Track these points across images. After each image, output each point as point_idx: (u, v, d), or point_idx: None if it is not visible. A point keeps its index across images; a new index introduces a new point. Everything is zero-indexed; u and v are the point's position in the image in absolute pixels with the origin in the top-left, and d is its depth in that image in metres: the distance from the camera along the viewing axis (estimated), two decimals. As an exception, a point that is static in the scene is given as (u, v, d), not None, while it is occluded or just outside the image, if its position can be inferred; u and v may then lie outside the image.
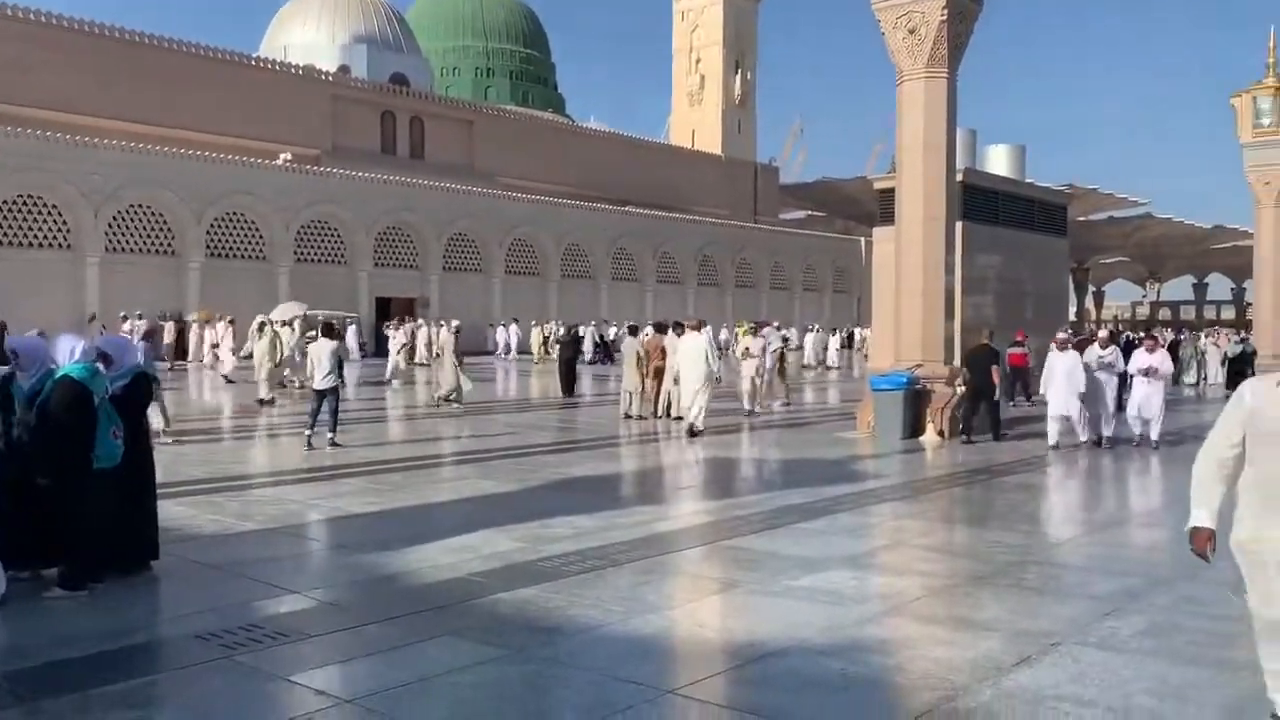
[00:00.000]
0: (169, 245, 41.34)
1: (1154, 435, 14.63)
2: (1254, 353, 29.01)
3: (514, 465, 12.82)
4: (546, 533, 8.36)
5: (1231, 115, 29.39)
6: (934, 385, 15.87)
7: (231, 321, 30.87)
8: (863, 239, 66.81)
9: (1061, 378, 14.62)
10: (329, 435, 13.96)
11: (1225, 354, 29.34)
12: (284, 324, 25.26)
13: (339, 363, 14.27)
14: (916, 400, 15.71)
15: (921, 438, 15.43)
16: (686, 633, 6.02)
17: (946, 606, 6.53)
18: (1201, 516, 4.13)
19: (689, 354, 16.51)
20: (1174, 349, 28.78)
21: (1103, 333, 16.98)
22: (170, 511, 8.46)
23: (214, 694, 4.82)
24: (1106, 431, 15.03)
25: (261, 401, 20.34)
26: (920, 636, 5.84)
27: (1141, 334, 28.08)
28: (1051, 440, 14.54)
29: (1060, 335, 15.83)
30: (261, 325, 23.07)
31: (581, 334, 39.23)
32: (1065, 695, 4.77)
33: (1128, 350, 17.31)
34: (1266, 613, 4.08)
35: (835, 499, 10.33)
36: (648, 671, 5.11)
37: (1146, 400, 14.72)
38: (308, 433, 13.97)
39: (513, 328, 46.53)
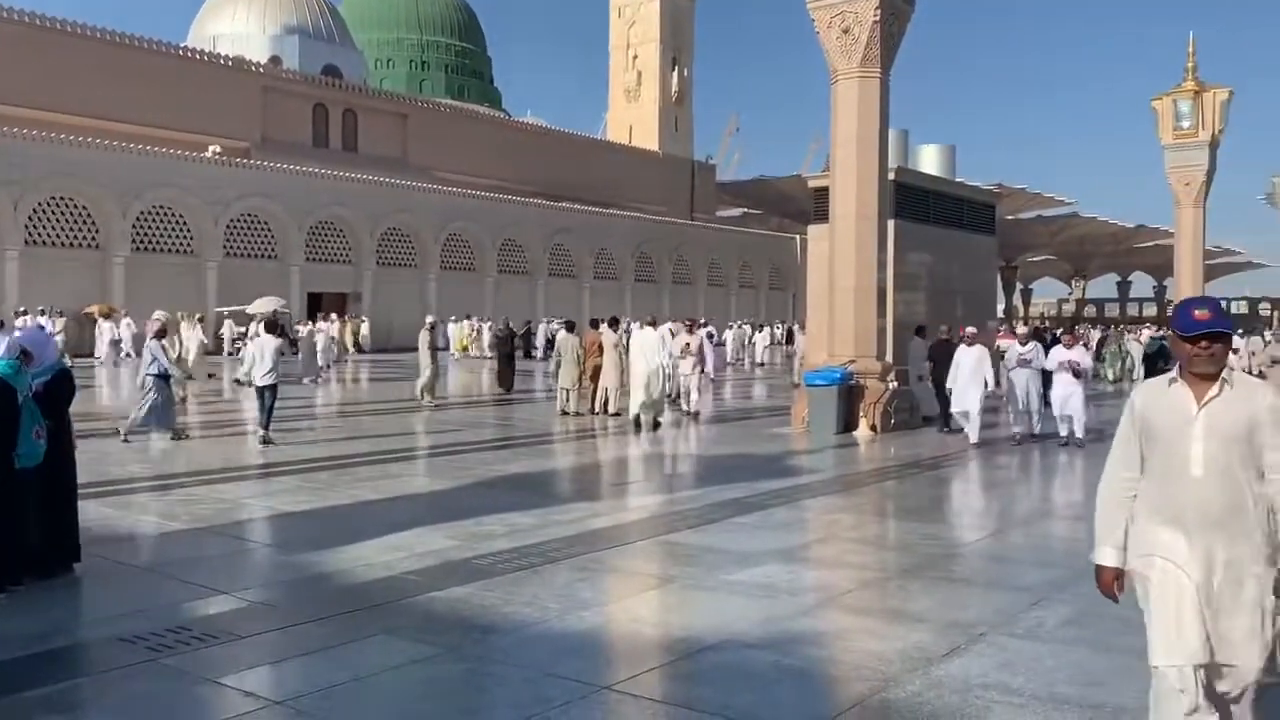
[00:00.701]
0: (93, 239, 40.26)
1: (1078, 431, 14.57)
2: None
3: (449, 463, 12.73)
4: (481, 530, 8.32)
5: (1153, 118, 30.22)
6: (867, 380, 16.09)
7: (201, 319, 29.58)
8: (798, 236, 67.50)
9: (966, 373, 14.55)
10: (260, 432, 13.79)
11: (1145, 351, 29.73)
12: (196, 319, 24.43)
13: (279, 359, 14.16)
14: (850, 395, 15.92)
15: (855, 432, 15.64)
16: (622, 629, 6.04)
17: (878, 599, 6.64)
18: (1106, 553, 3.64)
19: (644, 348, 16.74)
20: (1100, 345, 29.04)
21: (1022, 329, 16.48)
22: (93, 512, 8.25)
23: (139, 698, 4.72)
24: (1033, 428, 15.07)
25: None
26: (853, 628, 5.93)
27: (1060, 330, 28.14)
28: (973, 438, 14.46)
29: (968, 330, 15.52)
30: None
31: (521, 330, 38.98)
32: (992, 684, 4.88)
33: (1052, 346, 17.49)
34: (1166, 661, 3.38)
35: (770, 494, 10.42)
36: (583, 668, 5.11)
37: (1067, 397, 14.56)
38: (262, 432, 13.83)
39: (465, 324, 45.52)
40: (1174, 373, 3.49)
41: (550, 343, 42.72)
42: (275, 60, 60.44)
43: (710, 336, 27.15)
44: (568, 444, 15.17)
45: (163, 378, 13.80)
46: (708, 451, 14.46)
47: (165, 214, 42.23)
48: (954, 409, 14.80)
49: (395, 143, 59.69)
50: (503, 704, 4.75)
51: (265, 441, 13.56)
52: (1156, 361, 27.01)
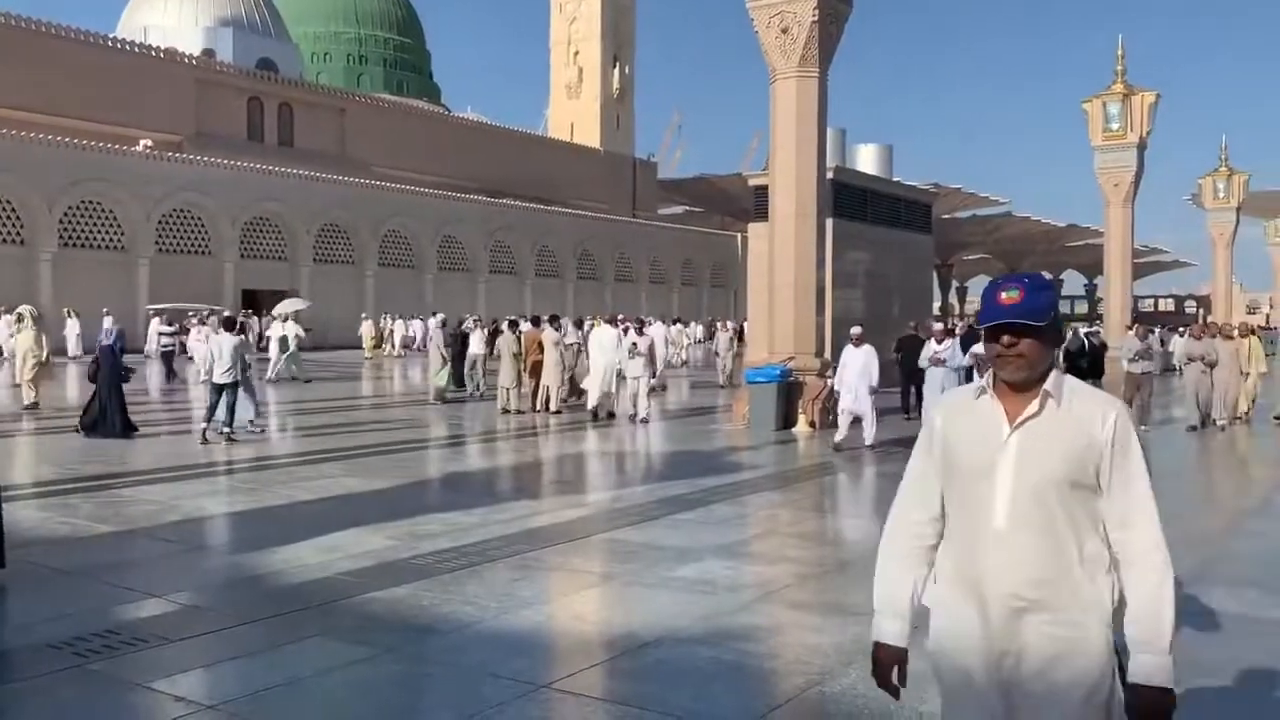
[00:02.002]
0: (17, 234, 39.14)
1: None
2: (1102, 345, 29.60)
3: (387, 462, 12.59)
4: (420, 530, 8.25)
5: (1084, 119, 30.87)
6: (806, 377, 16.24)
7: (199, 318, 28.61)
8: (739, 234, 67.92)
9: (854, 374, 13.77)
10: (224, 430, 13.69)
11: (1066, 348, 28.80)
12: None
13: (242, 358, 14.04)
14: (789, 392, 16.06)
15: (794, 428, 15.77)
16: (562, 627, 6.02)
17: (815, 593, 6.71)
18: (884, 627, 2.68)
19: (602, 344, 17.70)
20: None
21: (938, 325, 14.99)
22: (16, 515, 8.02)
23: (66, 705, 4.60)
24: None
25: (28, 406, 17.59)
26: (790, 623, 5.99)
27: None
28: (839, 435, 13.73)
29: (855, 330, 14.44)
30: (20, 317, 19.42)
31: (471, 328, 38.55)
32: (926, 676, 4.93)
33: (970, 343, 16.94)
34: None
35: (710, 490, 10.48)
36: (522, 667, 5.10)
37: None
38: (204, 425, 13.68)
39: (432, 320, 43.53)
40: (984, 380, 2.55)
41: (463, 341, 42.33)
42: (208, 53, 59.30)
43: (626, 332, 27.30)
44: (509, 442, 15.09)
45: (244, 374, 14.54)
46: (649, 448, 14.49)
47: (94, 209, 41.21)
48: (842, 410, 13.92)
49: (332, 138, 58.91)
50: (440, 705, 4.72)
51: (232, 439, 13.69)
52: (1078, 360, 27.01)
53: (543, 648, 5.61)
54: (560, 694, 4.76)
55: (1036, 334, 2.42)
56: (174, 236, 43.98)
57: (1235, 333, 18.26)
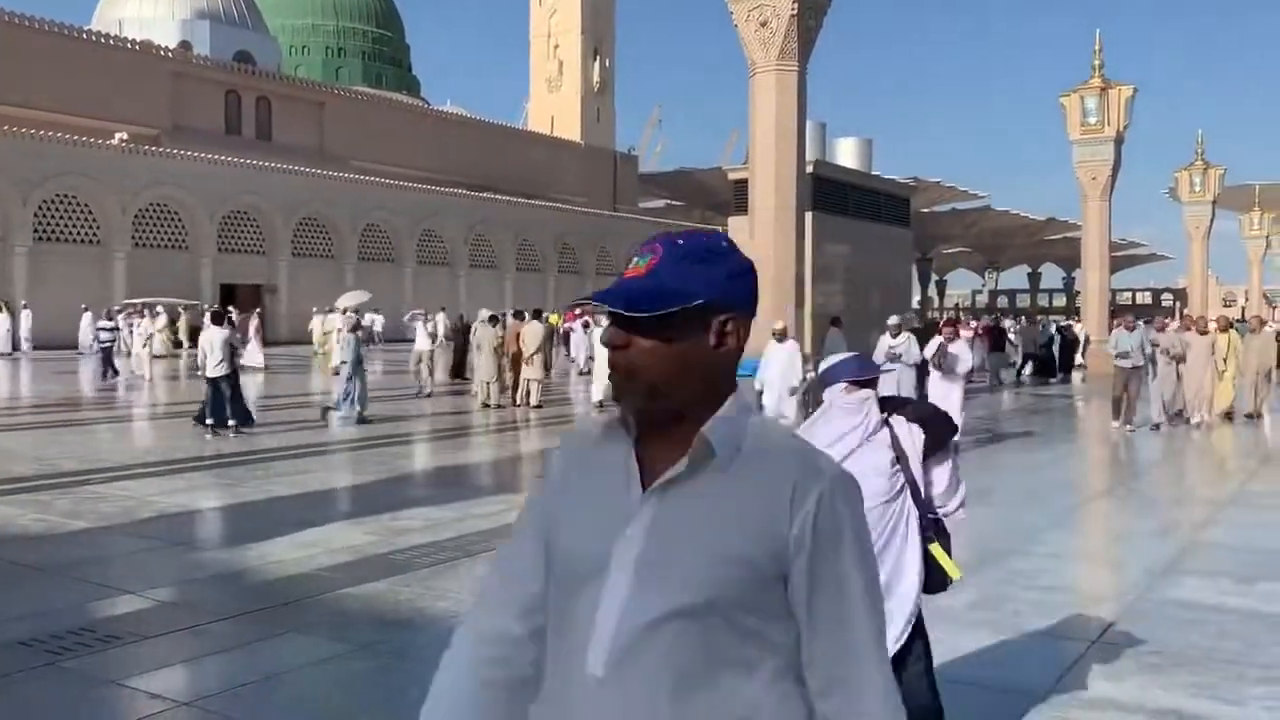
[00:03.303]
0: (-9, 228, 38.75)
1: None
2: (1074, 340, 29.44)
3: (366, 457, 12.55)
4: (398, 525, 8.22)
5: (1062, 113, 31.03)
6: (786, 371, 16.26)
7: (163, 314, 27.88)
8: (720, 228, 67.78)
9: (776, 373, 12.64)
10: (231, 422, 13.94)
11: (1035, 341, 28.41)
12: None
13: (231, 351, 14.35)
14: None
15: (774, 422, 15.81)
16: (540, 620, 6.01)
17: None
18: None
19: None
20: (998, 336, 27.97)
21: (892, 320, 13.89)
22: (-9, 512, 7.95)
23: (40, 702, 4.57)
24: None
25: None
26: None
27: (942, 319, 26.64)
28: None
29: (779, 324, 13.43)
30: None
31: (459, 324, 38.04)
32: (902, 667, 4.97)
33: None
34: None
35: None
36: (500, 661, 5.08)
37: (943, 398, 12.23)
38: (210, 421, 13.91)
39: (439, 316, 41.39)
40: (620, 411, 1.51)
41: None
42: (185, 45, 58.76)
43: (586, 326, 27.44)
44: (489, 437, 15.06)
45: (358, 364, 15.86)
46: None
47: (69, 203, 40.82)
48: (767, 413, 13.07)
49: (311, 131, 58.55)
50: (417, 701, 4.66)
51: (217, 432, 13.83)
52: (1046, 353, 26.96)
53: (521, 642, 5.59)
54: (538, 688, 4.75)
55: (658, 332, 1.41)
56: (151, 231, 43.63)
57: (1211, 326, 17.23)
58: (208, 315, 16.04)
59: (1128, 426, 15.22)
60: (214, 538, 7.77)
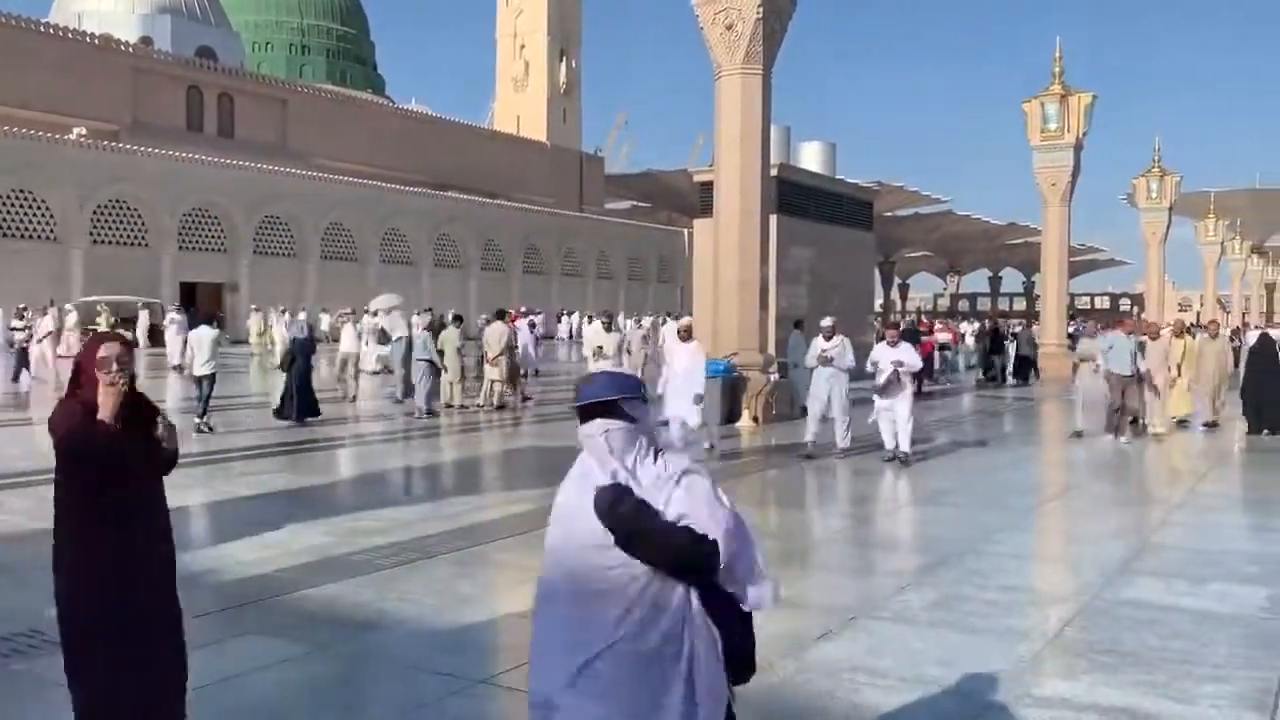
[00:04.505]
0: (-56, 223, 38.03)
1: (904, 444, 11.99)
2: (1031, 343, 29.22)
3: (326, 458, 12.46)
4: (359, 526, 8.17)
5: (1023, 119, 31.39)
6: (750, 373, 16.35)
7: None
8: (685, 230, 68.06)
9: (680, 375, 11.89)
10: (196, 420, 14.09)
11: (982, 345, 28.46)
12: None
13: (216, 349, 14.78)
14: (733, 388, 16.14)
15: (738, 423, 15.87)
16: (501, 623, 6.00)
17: (755, 587, 6.75)
18: None
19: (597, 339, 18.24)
20: (996, 337, 27.93)
21: (827, 321, 12.82)
22: (-59, 512, 7.81)
23: (-12, 707, 4.49)
24: (840, 440, 12.43)
25: None
26: (729, 616, 6.02)
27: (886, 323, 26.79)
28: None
29: (683, 320, 12.88)
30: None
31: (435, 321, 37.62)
32: (860, 666, 5.02)
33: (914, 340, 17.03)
34: None
35: (653, 485, 10.48)
36: (460, 663, 5.08)
37: (893, 404, 11.97)
38: (197, 420, 14.05)
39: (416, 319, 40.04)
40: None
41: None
42: (146, 40, 58.02)
43: (532, 326, 27.26)
44: (452, 438, 15.00)
45: (430, 364, 16.66)
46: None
47: (25, 198, 40.11)
48: (667, 414, 12.14)
49: (274, 128, 58.01)
50: (376, 701, 4.68)
51: (201, 430, 13.93)
52: (994, 356, 27.12)
53: (480, 643, 5.59)
54: (496, 688, 4.75)
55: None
56: (109, 228, 42.99)
57: (1164, 332, 16.56)
58: (173, 314, 16.03)
59: (1123, 439, 14.44)
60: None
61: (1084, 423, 15.27)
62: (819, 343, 12.55)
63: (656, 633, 2.57)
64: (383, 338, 22.43)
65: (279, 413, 15.41)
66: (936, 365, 24.48)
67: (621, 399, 2.68)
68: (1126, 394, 14.49)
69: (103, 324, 36.04)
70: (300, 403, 15.34)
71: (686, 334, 12.27)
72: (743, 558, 2.67)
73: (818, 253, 23.49)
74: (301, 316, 19.38)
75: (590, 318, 43.82)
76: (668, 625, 2.59)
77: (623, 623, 2.55)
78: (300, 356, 15.65)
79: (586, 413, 2.70)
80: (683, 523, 2.58)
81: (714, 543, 2.57)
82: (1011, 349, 28.08)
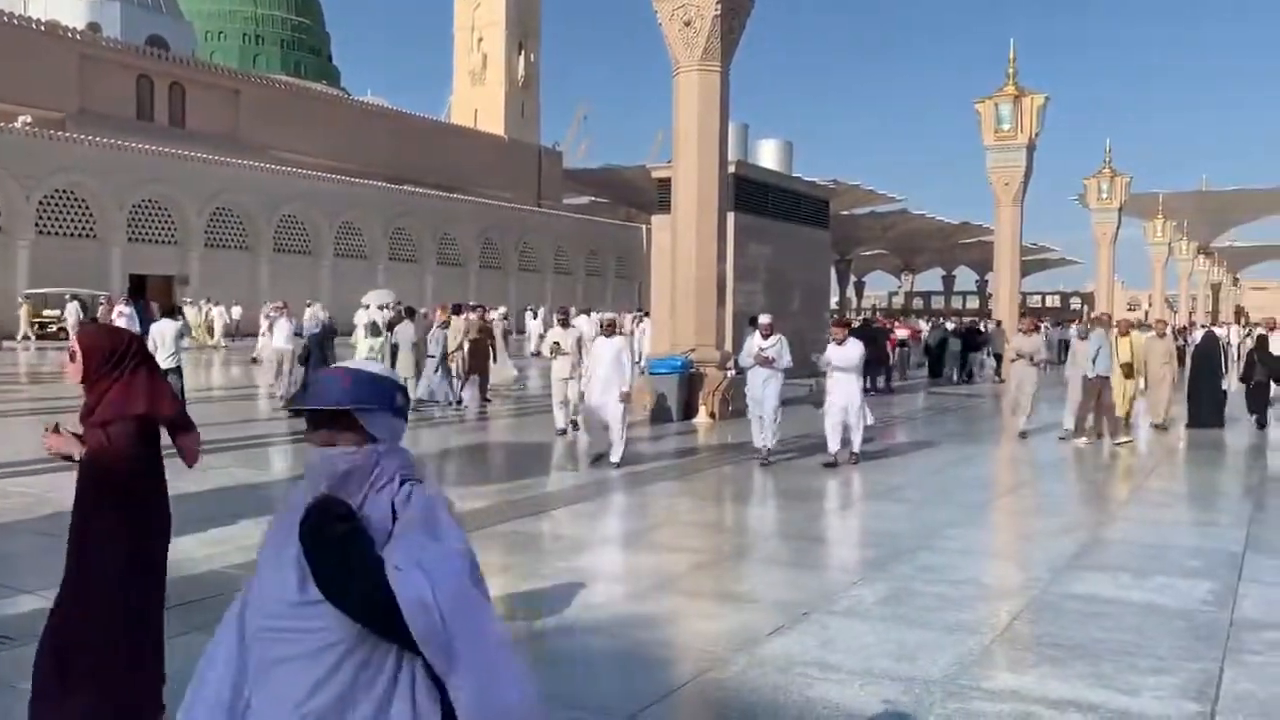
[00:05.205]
0: (-117, 212, 37.05)
1: (854, 444, 11.72)
2: (978, 339, 29.36)
3: (275, 454, 12.32)
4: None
5: (976, 119, 31.74)
6: (707, 369, 16.40)
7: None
8: (644, 226, 68.10)
9: (603, 373, 11.32)
10: None
11: (925, 342, 28.77)
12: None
13: (179, 343, 14.44)
14: (690, 383, 16.20)
15: (695, 419, 15.92)
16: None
17: (711, 581, 6.79)
18: None
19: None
20: (972, 335, 28.23)
21: (764, 319, 12.22)
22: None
23: (-75, 707, 4.39)
24: (769, 442, 11.77)
25: None
26: (684, 611, 6.05)
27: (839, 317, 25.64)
28: (614, 455, 11.23)
29: (605, 315, 12.25)
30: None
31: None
32: (812, 661, 5.06)
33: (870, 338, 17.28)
34: None
35: (610, 480, 10.50)
36: (413, 658, 5.03)
37: (846, 405, 11.63)
38: None
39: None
40: None
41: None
42: (94, 27, 56.91)
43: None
44: (406, 434, 14.87)
45: (443, 360, 17.31)
46: (549, 438, 14.45)
47: (-32, 187, 39.23)
48: (584, 416, 11.80)
49: (226, 119, 57.17)
50: (328, 698, 4.63)
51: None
52: (940, 355, 27.43)
53: (435, 639, 5.54)
54: (451, 686, 4.71)
55: None
56: (56, 218, 42.15)
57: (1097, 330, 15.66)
58: (121, 307, 15.87)
59: (1115, 441, 14.15)
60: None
61: (1026, 422, 14.96)
62: (755, 341, 11.86)
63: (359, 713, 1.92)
64: (374, 330, 22.26)
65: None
66: (892, 361, 24.71)
67: (356, 409, 2.02)
68: (1103, 394, 14.15)
69: (22, 318, 35.68)
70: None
71: (609, 330, 11.81)
72: (467, 635, 1.87)
73: (775, 250, 23.61)
74: (319, 311, 19.47)
75: (534, 312, 43.48)
76: (374, 706, 1.92)
77: (314, 697, 1.92)
78: (316, 350, 15.75)
79: (313, 422, 2.04)
80: (402, 571, 1.85)
81: (431, 605, 1.83)
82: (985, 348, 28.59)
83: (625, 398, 11.25)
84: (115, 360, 3.87)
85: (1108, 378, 14.27)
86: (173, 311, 15.26)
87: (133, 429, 3.87)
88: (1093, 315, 16.98)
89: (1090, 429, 14.40)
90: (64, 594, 3.92)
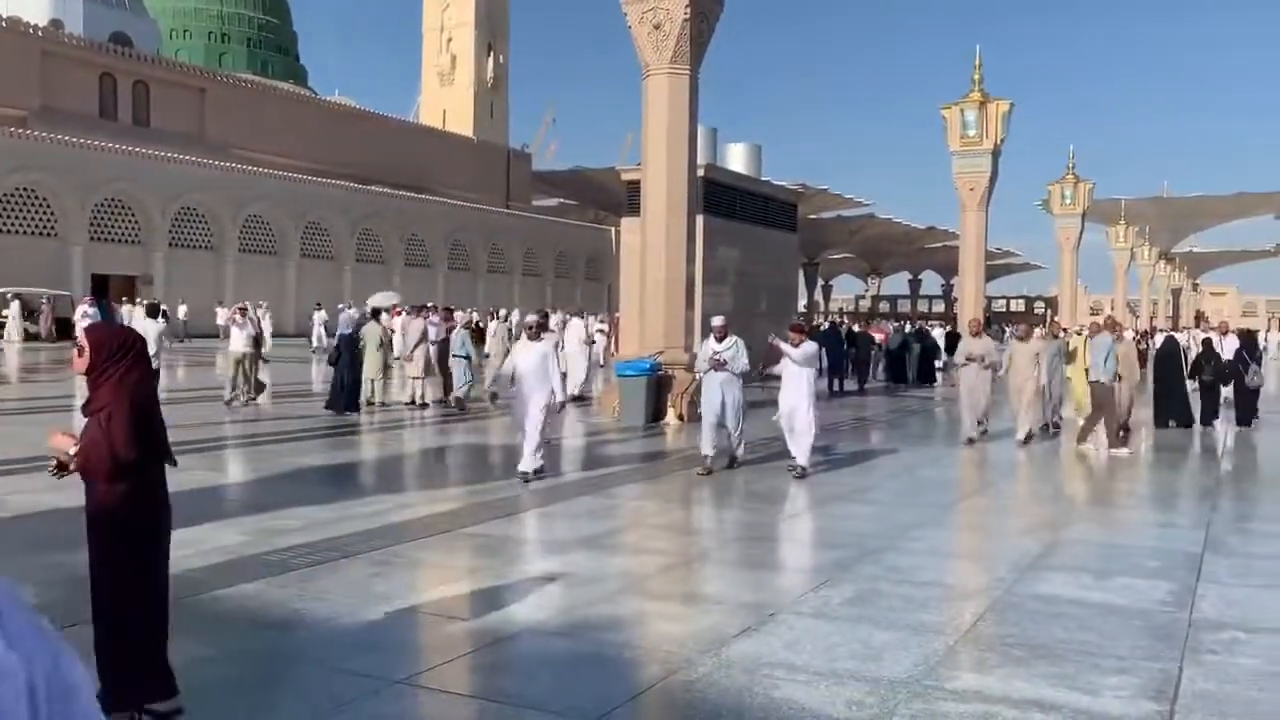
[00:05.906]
0: None
1: (802, 458, 11.09)
2: (931, 344, 29.20)
3: (240, 455, 12.19)
4: (276, 525, 8.00)
5: (942, 125, 32.05)
6: (675, 371, 16.42)
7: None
8: (613, 228, 68.05)
9: (531, 379, 10.45)
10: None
11: (885, 346, 28.48)
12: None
13: (161, 344, 14.62)
14: (659, 386, 16.22)
15: (663, 421, 15.93)
16: (419, 622, 5.93)
17: (677, 583, 6.79)
18: None
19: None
20: (956, 340, 28.03)
21: (718, 320, 11.68)
22: None
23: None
24: (734, 448, 11.54)
25: None
26: (651, 613, 6.04)
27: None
28: (524, 463, 10.41)
29: (529, 317, 11.43)
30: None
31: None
32: (779, 662, 5.07)
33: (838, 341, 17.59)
34: None
35: (578, 482, 10.48)
36: (377, 663, 5.00)
37: (792, 410, 11.08)
38: None
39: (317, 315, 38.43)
40: None
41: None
42: (56, 23, 56.09)
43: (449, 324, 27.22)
44: (373, 436, 14.78)
45: (465, 359, 17.54)
46: (516, 441, 14.40)
47: (-75, 185, 38.54)
48: (515, 422, 10.95)
49: (191, 118, 56.53)
50: (291, 701, 4.59)
51: None
52: (901, 356, 27.49)
53: (398, 643, 5.51)
54: (415, 689, 4.69)
55: None
56: (15, 217, 41.50)
57: (1063, 332, 16.38)
58: (85, 307, 15.71)
59: (1126, 449, 13.93)
60: (76, 538, 7.39)
61: (973, 429, 14.65)
62: (710, 344, 11.33)
63: None
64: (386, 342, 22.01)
65: (330, 404, 16.19)
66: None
67: None
68: (1104, 404, 13.80)
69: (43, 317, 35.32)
70: (349, 396, 16.07)
71: (535, 333, 10.81)
72: None
73: (743, 253, 23.69)
74: (351, 312, 19.70)
75: (495, 314, 42.42)
76: None
77: None
78: (346, 351, 16.25)
79: None
80: None
81: None
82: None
83: (561, 407, 10.57)
84: (119, 355, 4.16)
85: (1112, 386, 13.88)
86: (155, 311, 15.10)
87: (129, 418, 4.15)
88: (1100, 320, 16.42)
89: (1114, 433, 13.92)
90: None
